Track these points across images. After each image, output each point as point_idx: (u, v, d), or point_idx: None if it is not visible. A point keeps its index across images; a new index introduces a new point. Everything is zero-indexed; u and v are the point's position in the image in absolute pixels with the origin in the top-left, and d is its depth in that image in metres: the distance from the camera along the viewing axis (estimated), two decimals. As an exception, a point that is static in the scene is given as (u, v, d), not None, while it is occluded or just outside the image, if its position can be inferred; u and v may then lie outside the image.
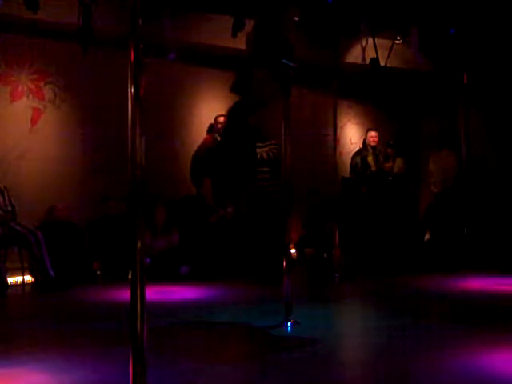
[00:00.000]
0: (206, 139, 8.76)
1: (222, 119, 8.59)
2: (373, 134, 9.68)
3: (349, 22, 8.28)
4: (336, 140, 8.12)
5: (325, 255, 9.09)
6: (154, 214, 7.92)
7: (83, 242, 7.86)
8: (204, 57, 9.17)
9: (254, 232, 7.57)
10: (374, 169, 9.53)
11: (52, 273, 6.91)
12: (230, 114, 5.41)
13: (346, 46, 9.37)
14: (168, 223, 8.18)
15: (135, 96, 2.63)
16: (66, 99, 8.40)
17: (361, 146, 9.97)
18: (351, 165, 9.69)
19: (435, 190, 9.87)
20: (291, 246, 6.38)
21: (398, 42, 9.18)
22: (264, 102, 5.15)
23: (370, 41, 8.64)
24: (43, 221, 7.69)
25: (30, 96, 8.11)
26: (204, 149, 8.63)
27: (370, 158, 9.56)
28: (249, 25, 6.99)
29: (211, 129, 8.77)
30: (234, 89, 5.25)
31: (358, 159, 9.59)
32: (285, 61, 4.82)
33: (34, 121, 8.12)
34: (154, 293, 5.82)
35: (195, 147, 8.81)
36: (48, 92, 8.26)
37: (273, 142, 7.56)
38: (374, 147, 9.63)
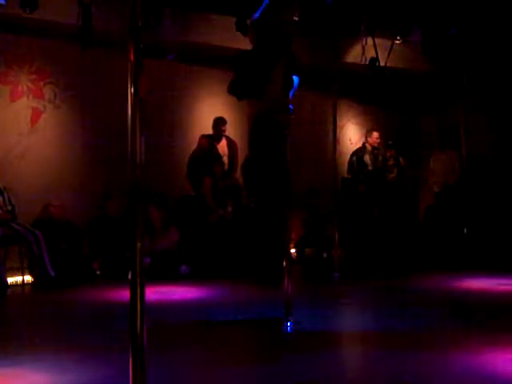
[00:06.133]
0: (201, 141, 8.75)
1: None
2: (376, 134, 9.70)
3: (349, 22, 8.28)
4: (336, 140, 8.13)
5: (324, 255, 9.10)
6: (148, 214, 7.89)
7: (82, 242, 7.85)
8: (204, 57, 9.17)
9: (254, 232, 7.57)
10: (371, 168, 9.54)
11: (52, 272, 6.92)
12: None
13: (345, 46, 9.37)
14: (166, 222, 8.17)
15: (135, 96, 2.63)
16: (66, 99, 8.40)
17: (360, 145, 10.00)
18: (348, 164, 9.71)
19: (437, 189, 9.88)
20: (291, 245, 6.38)
21: (397, 41, 9.18)
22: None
23: (370, 41, 8.64)
24: (38, 218, 7.66)
25: (30, 96, 8.11)
26: (201, 150, 8.65)
27: (366, 157, 9.57)
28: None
29: (212, 136, 8.78)
30: (231, 90, 5.22)
31: (354, 158, 9.62)
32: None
33: (33, 121, 8.12)
34: (153, 293, 5.82)
35: (194, 147, 8.83)
36: (48, 92, 8.26)
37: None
38: (373, 147, 9.65)
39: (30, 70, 8.11)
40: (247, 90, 5.13)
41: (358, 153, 9.67)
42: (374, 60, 8.88)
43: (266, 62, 4.98)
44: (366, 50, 8.83)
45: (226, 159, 8.70)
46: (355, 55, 9.28)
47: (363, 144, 9.81)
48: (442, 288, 6.88)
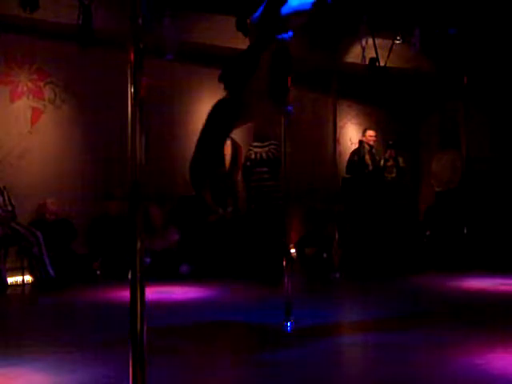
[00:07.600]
0: None
1: None
2: (371, 132, 9.71)
3: (349, 22, 8.28)
4: (336, 140, 8.13)
5: (325, 255, 9.09)
6: (148, 213, 7.89)
7: (79, 240, 7.84)
8: (204, 57, 9.16)
9: (254, 232, 7.57)
10: (370, 168, 9.55)
11: (52, 272, 6.92)
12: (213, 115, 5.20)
13: (346, 46, 9.38)
14: (166, 222, 8.18)
15: (135, 96, 2.63)
16: (66, 99, 8.40)
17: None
18: (348, 163, 9.70)
19: (438, 188, 9.88)
20: (291, 245, 6.38)
21: (398, 41, 9.19)
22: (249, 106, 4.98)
23: (370, 41, 8.64)
24: (35, 217, 7.66)
25: (30, 96, 8.11)
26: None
27: (367, 157, 9.57)
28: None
29: None
30: (221, 78, 5.16)
31: (356, 158, 9.62)
32: (282, 35, 4.81)
33: (34, 121, 8.12)
34: (153, 293, 5.82)
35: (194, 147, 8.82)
36: (48, 92, 8.26)
37: (272, 141, 7.60)
38: (371, 146, 9.65)
39: (30, 70, 8.10)
40: (233, 78, 5.05)
41: (358, 153, 9.66)
42: (374, 60, 8.89)
43: (254, 52, 4.89)
44: (366, 50, 8.83)
45: (228, 158, 8.69)
46: (355, 55, 9.28)
47: (361, 143, 9.80)
48: (442, 288, 6.88)
